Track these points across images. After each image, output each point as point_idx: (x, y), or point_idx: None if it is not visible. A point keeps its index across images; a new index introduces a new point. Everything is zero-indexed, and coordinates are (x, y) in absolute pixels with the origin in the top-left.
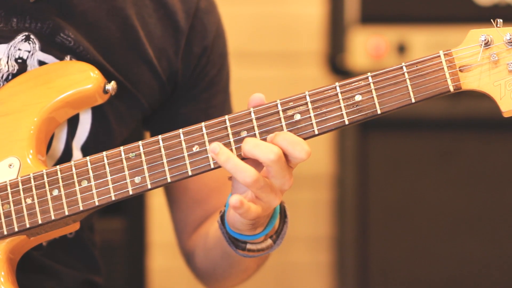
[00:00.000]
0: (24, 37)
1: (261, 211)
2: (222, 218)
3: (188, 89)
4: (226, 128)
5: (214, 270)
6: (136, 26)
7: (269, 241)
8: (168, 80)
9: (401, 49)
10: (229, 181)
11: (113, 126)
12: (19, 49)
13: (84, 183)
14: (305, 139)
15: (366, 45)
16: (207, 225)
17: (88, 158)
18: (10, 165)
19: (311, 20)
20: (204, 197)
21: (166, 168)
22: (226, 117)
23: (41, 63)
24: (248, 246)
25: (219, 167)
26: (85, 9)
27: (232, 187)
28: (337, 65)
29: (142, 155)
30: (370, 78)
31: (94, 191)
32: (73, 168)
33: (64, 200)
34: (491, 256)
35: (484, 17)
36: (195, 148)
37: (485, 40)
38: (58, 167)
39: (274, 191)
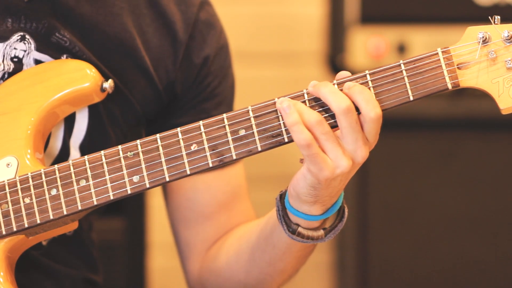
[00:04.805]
0: (19, 37)
1: (326, 166)
2: (282, 196)
3: (189, 99)
4: (224, 126)
5: (248, 273)
6: (133, 34)
7: (321, 232)
8: (165, 89)
9: (401, 49)
10: (239, 196)
11: (107, 127)
12: (14, 48)
13: (83, 183)
14: None
15: (366, 45)
16: (239, 232)
17: (86, 157)
18: (8, 164)
19: (311, 20)
20: (213, 212)
21: (165, 167)
22: (224, 115)
23: (37, 62)
24: (300, 229)
25: (218, 166)
26: (81, 12)
27: (304, 163)
28: (337, 65)
29: (140, 154)
30: (368, 76)
31: (92, 190)
32: (71, 168)
33: (62, 200)
34: (491, 256)
35: (484, 17)
36: (193, 147)
37: (483, 37)
38: (56, 166)
39: (341, 146)
